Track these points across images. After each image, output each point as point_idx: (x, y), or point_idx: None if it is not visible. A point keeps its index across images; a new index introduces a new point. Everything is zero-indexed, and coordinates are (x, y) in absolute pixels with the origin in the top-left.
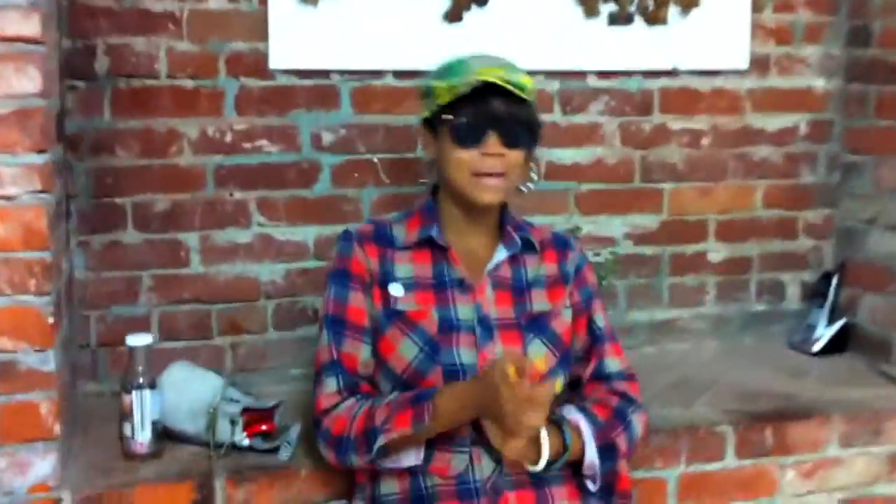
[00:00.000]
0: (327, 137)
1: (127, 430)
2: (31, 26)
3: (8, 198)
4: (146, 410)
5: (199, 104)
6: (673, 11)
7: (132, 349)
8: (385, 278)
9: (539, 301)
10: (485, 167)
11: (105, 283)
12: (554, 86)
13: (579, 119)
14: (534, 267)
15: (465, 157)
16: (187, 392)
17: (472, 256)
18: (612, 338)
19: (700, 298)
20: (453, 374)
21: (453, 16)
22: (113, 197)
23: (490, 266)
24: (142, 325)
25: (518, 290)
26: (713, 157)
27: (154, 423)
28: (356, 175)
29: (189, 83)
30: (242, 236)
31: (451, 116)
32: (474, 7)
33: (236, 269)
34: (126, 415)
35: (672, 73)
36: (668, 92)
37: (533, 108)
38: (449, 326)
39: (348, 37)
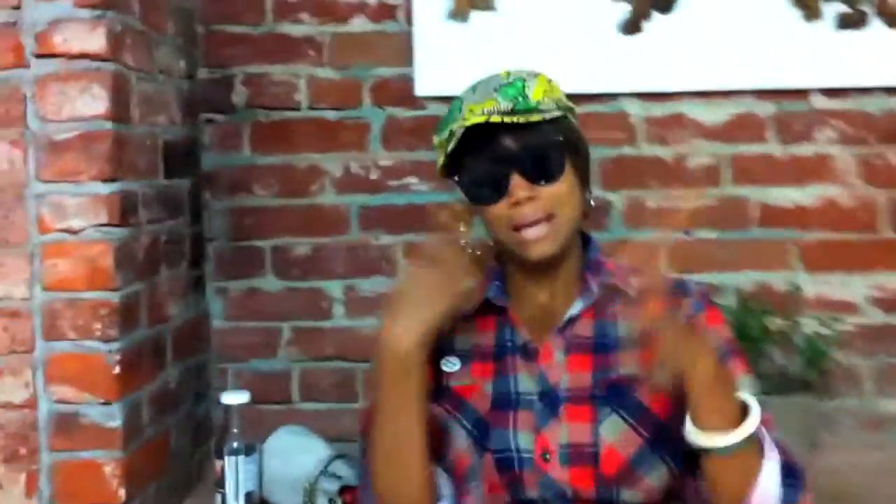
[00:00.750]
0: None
1: (218, 499)
2: (95, 41)
3: (71, 231)
4: (240, 479)
5: (342, 137)
6: None
7: (227, 408)
8: (440, 354)
9: (628, 364)
10: (520, 218)
11: (243, 333)
12: (767, 108)
13: (802, 150)
14: (630, 319)
15: (495, 213)
16: (292, 462)
17: (544, 315)
18: (735, 353)
19: None
20: (506, 464)
21: (631, 27)
22: (251, 239)
23: (561, 323)
24: (280, 383)
25: (602, 350)
26: None
27: (248, 494)
28: None
29: (331, 114)
30: (389, 286)
31: (457, 176)
32: (655, 15)
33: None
34: (218, 482)
35: None
36: None
37: (559, 122)
38: (505, 402)
39: (505, 56)
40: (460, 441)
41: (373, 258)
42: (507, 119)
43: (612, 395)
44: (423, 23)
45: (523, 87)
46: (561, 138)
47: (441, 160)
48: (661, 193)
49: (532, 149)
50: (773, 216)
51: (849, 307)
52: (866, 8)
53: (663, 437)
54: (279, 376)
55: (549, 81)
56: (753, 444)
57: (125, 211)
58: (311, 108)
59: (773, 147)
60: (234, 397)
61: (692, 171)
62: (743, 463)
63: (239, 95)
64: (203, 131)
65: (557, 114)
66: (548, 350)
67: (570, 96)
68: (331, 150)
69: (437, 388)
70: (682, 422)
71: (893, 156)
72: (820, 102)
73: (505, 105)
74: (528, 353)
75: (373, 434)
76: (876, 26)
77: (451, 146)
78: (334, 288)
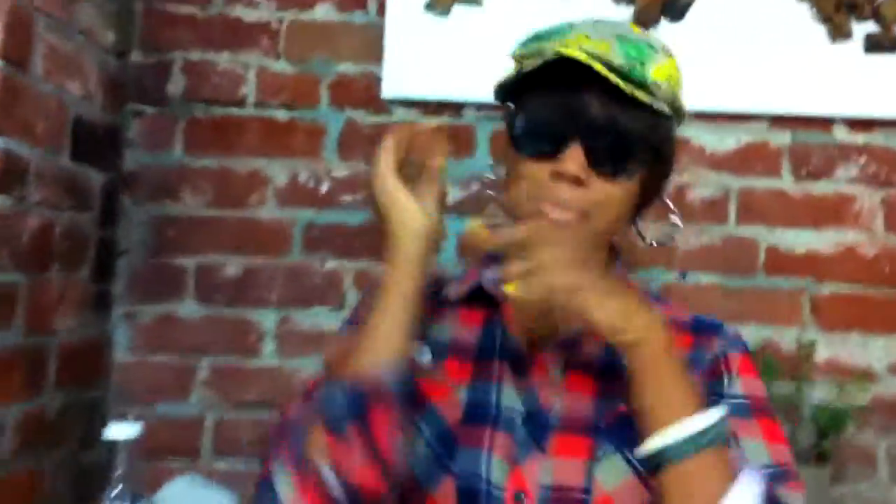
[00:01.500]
0: (454, 193)
1: None
2: None
3: None
4: None
5: (292, 141)
6: None
7: (112, 445)
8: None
9: None
10: (550, 194)
11: (150, 368)
12: (782, 138)
13: (821, 187)
14: None
15: (527, 175)
16: None
17: (546, 319)
18: (763, 412)
19: None
20: (471, 496)
21: None
22: (173, 255)
23: (567, 335)
24: (190, 433)
25: (611, 375)
26: None
27: None
28: None
29: (281, 114)
30: (332, 320)
31: (514, 109)
32: (664, 23)
33: (321, 366)
34: None
35: None
36: None
37: (661, 119)
38: (482, 416)
39: (490, 58)
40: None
41: (316, 286)
42: (610, 76)
43: (618, 429)
44: (397, 14)
45: (645, 54)
46: (654, 138)
47: (507, 76)
48: (655, 227)
49: (616, 127)
50: (783, 262)
51: (864, 373)
52: None
53: None
54: (189, 424)
55: (678, 69)
56: (718, 456)
57: (6, 175)
58: (258, 104)
59: (786, 182)
60: (121, 430)
61: (693, 204)
62: (703, 478)
63: (175, 84)
64: (129, 124)
65: (666, 110)
66: (542, 363)
67: None
68: (277, 154)
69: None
70: None
71: None
72: (843, 135)
73: (620, 62)
74: (519, 363)
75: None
76: None
77: (529, 64)
78: (266, 319)
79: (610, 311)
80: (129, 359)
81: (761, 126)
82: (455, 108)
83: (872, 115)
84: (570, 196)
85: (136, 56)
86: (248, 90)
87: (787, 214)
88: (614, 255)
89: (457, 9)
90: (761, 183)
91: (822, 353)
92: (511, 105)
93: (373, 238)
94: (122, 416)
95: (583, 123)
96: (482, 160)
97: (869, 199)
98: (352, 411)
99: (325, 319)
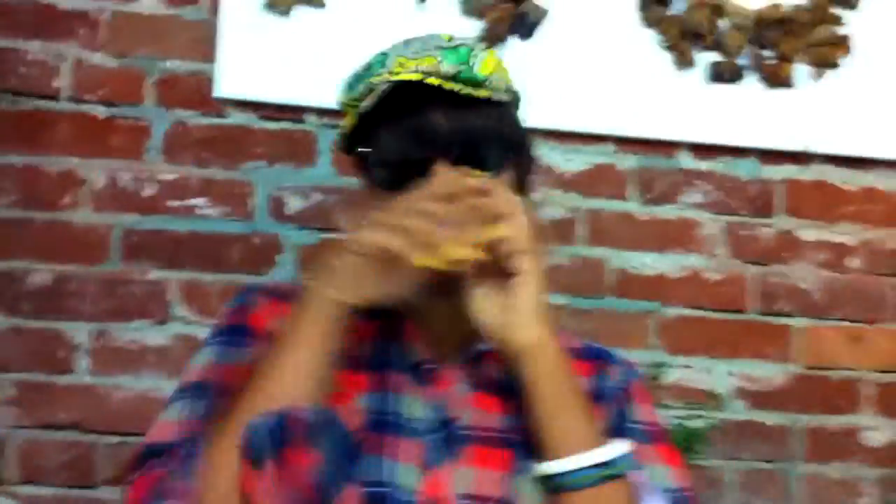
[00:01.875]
0: (294, 203)
1: None
2: None
3: None
4: None
5: (112, 140)
6: (801, 70)
7: None
8: None
9: None
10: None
11: None
12: (628, 161)
13: (666, 211)
14: None
15: (405, 206)
16: None
17: (446, 334)
18: (662, 438)
19: (852, 501)
20: (379, 502)
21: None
22: None
23: (466, 355)
24: None
25: (512, 391)
26: (865, 286)
27: None
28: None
29: (101, 110)
30: (155, 335)
31: (367, 149)
32: (513, 39)
33: (142, 384)
34: None
35: (802, 159)
36: (796, 185)
37: (505, 109)
38: (383, 424)
39: (332, 61)
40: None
41: (136, 297)
42: (447, 85)
43: (532, 444)
44: (232, 10)
45: (468, 56)
46: (506, 128)
47: (348, 122)
48: None
49: (470, 131)
50: (630, 285)
51: (711, 397)
52: (743, 61)
53: None
54: None
55: (500, 59)
56: (622, 486)
57: None
58: (74, 98)
59: (633, 206)
60: None
61: (542, 224)
62: None
63: None
64: None
65: (505, 98)
66: (447, 376)
67: None
68: (95, 154)
69: None
70: None
71: (764, 229)
72: (687, 161)
73: (448, 68)
74: (422, 375)
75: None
76: (751, 83)
77: (366, 104)
78: (79, 332)
79: (496, 309)
80: None
81: (608, 148)
82: (295, 111)
83: (718, 142)
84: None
85: None
86: (63, 83)
87: (633, 237)
88: None
89: (298, 9)
90: (608, 205)
91: (672, 377)
92: (360, 151)
93: (202, 246)
94: None
95: (440, 140)
96: (324, 168)
97: (712, 226)
98: (273, 444)
99: (146, 334)
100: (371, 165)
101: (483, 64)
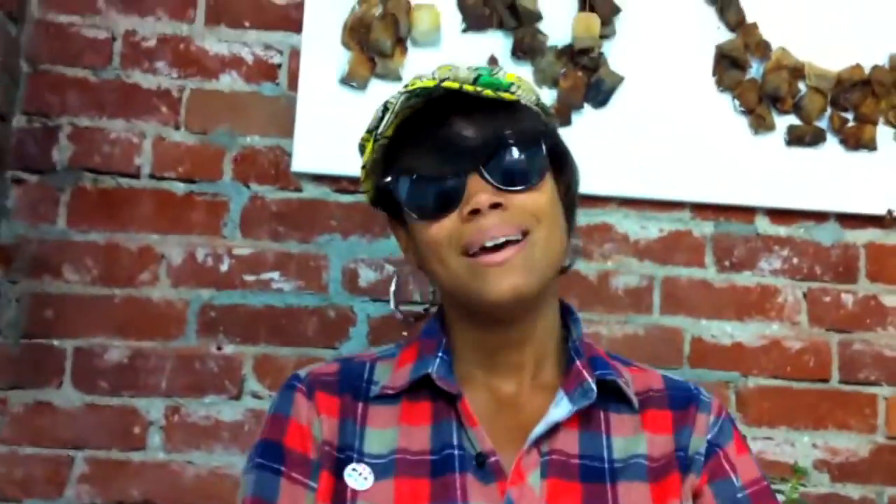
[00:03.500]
0: (367, 275)
1: None
2: None
3: None
4: None
5: (190, 216)
6: (884, 132)
7: None
8: (343, 457)
9: (633, 501)
10: (477, 236)
11: (19, 462)
12: (705, 228)
13: (744, 279)
14: (626, 435)
15: (438, 235)
16: None
17: (508, 413)
18: (769, 497)
19: None
20: None
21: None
22: (50, 337)
23: (538, 431)
24: None
25: (595, 477)
26: None
27: None
28: (405, 333)
29: (179, 186)
30: (229, 411)
31: (387, 180)
32: (587, 107)
33: (214, 460)
34: None
35: (886, 222)
36: (880, 249)
37: (536, 115)
38: None
39: None
40: None
41: (211, 373)
42: (467, 87)
43: None
44: (310, 86)
45: (488, 69)
46: (538, 130)
47: (367, 155)
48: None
49: (500, 138)
50: (707, 354)
51: (794, 469)
52: (822, 124)
53: None
54: None
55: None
56: None
57: None
58: (153, 176)
59: (710, 273)
60: None
61: (617, 293)
62: None
63: (62, 151)
64: (8, 192)
65: (533, 105)
66: (519, 470)
67: None
68: (173, 230)
69: None
70: None
71: (847, 295)
72: (765, 226)
73: (466, 74)
74: (489, 472)
75: None
76: (832, 145)
77: (383, 127)
78: (153, 408)
79: None
80: None
81: (684, 215)
82: None
83: (797, 207)
84: (496, 222)
85: (18, 121)
86: (143, 160)
87: (710, 305)
88: (564, 310)
89: (374, 83)
90: (685, 272)
91: (754, 449)
92: (387, 181)
93: (276, 320)
94: None
95: (466, 152)
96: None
97: (792, 293)
98: None
99: (220, 409)
100: (397, 194)
101: (507, 74)
